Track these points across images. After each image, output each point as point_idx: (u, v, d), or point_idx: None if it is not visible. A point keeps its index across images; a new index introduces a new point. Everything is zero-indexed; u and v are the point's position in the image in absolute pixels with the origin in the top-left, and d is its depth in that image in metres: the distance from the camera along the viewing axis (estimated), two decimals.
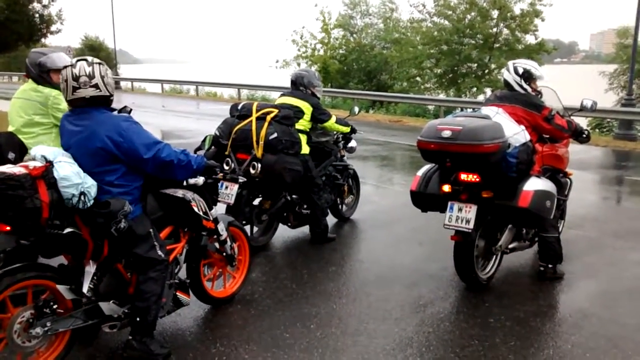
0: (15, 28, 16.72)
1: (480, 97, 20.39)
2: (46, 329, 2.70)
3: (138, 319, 2.94)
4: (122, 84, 31.02)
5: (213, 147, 4.72)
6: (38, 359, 2.79)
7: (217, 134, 4.76)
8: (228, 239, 3.63)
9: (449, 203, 3.87)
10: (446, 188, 3.89)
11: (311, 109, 5.06)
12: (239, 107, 4.92)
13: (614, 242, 5.26)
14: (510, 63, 4.38)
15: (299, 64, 27.30)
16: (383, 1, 29.94)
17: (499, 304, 3.86)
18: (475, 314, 3.71)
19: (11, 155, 3.66)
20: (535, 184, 3.79)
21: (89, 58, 2.90)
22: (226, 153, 4.74)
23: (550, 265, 4.26)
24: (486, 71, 23.87)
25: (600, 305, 3.88)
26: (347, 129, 5.49)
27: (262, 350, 3.20)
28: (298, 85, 5.24)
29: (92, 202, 2.71)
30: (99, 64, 2.87)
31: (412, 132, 13.05)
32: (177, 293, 3.31)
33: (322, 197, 5.12)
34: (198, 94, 26.15)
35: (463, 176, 3.80)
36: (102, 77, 2.84)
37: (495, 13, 23.02)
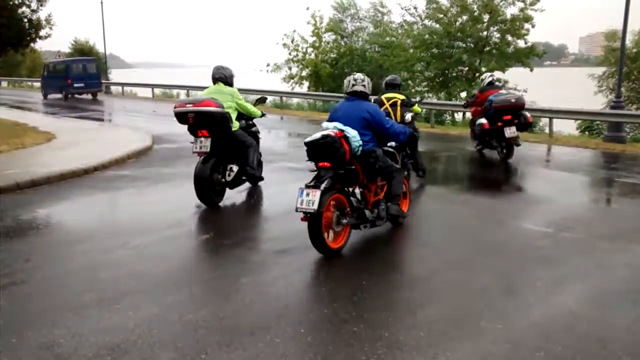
0: (4, 33, 16.56)
1: None
2: (344, 221, 4.90)
3: (391, 191, 5.36)
4: (113, 88, 30.83)
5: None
6: (337, 238, 4.88)
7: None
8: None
9: (504, 129, 9.35)
10: (499, 124, 9.42)
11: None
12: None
13: (603, 244, 5.27)
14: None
15: (290, 68, 27.29)
16: (373, 4, 30.09)
17: (489, 306, 3.86)
18: (464, 320, 3.70)
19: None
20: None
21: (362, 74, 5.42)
22: None
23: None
24: (476, 74, 23.92)
25: (590, 306, 3.89)
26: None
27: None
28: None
29: (361, 150, 4.93)
30: (367, 76, 5.41)
31: None
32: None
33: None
34: None
35: (506, 118, 9.35)
36: (368, 83, 5.32)
37: (486, 17, 23.12)
